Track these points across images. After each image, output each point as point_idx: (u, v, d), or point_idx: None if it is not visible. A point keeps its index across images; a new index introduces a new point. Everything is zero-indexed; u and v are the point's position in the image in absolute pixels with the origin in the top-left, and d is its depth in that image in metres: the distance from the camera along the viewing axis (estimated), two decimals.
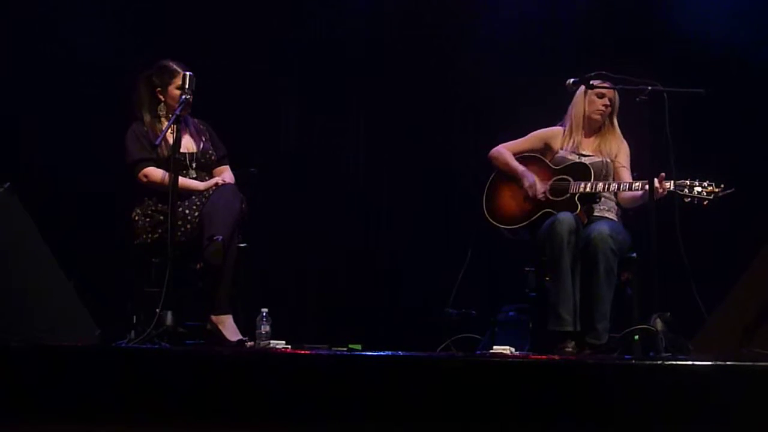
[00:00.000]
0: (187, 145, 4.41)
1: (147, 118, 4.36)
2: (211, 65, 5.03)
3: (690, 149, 4.33)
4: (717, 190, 4.05)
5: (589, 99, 4.45)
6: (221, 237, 4.06)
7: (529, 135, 4.59)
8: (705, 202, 4.05)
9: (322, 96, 5.95)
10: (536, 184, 4.38)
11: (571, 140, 4.47)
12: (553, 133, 4.55)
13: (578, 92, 4.46)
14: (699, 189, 4.05)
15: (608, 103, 4.43)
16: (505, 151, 4.56)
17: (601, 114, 4.45)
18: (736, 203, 4.70)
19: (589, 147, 4.47)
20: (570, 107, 4.51)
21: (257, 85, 5.81)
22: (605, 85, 4.34)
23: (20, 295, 3.75)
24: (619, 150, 4.47)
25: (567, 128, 4.51)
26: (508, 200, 4.47)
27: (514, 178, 4.48)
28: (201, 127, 4.53)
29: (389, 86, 5.86)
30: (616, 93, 4.36)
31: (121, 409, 3.10)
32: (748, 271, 3.59)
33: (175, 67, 4.38)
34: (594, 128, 4.49)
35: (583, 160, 4.39)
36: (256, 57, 5.79)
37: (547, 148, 4.53)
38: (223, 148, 4.56)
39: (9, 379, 3.18)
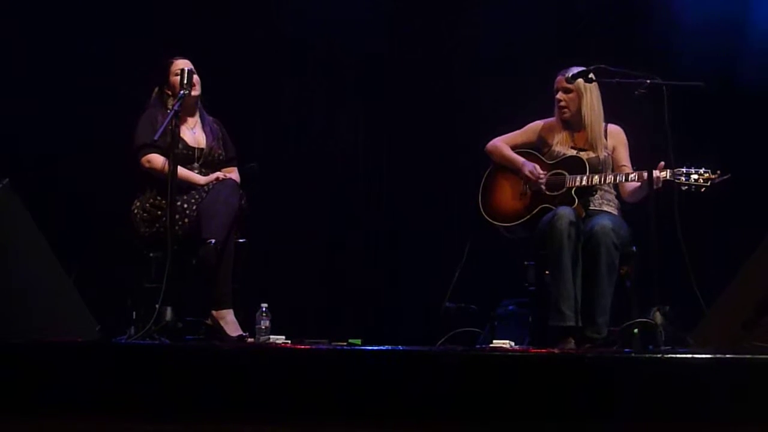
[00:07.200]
0: (198, 140, 4.41)
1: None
2: (211, 62, 5.02)
3: (689, 142, 4.32)
4: (714, 176, 4.04)
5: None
6: (214, 240, 4.04)
7: (525, 127, 4.57)
8: (702, 189, 4.03)
9: (323, 93, 5.96)
10: (536, 168, 4.36)
11: (561, 135, 4.45)
12: (549, 125, 4.52)
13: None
14: (696, 176, 4.04)
15: (561, 98, 4.38)
16: (501, 144, 4.54)
17: (563, 108, 4.40)
18: (736, 197, 4.70)
19: (582, 142, 4.42)
20: None
21: (257, 82, 5.81)
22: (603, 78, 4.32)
23: (19, 291, 3.74)
24: (616, 143, 4.43)
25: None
26: (505, 196, 4.45)
27: (511, 170, 4.46)
28: (215, 126, 4.52)
29: (389, 83, 5.88)
30: (583, 84, 4.28)
31: (121, 406, 3.10)
32: (747, 264, 3.58)
33: (168, 60, 4.38)
34: (576, 123, 4.42)
35: (580, 154, 4.36)
36: (255, 53, 5.79)
37: (542, 141, 4.50)
38: (233, 150, 4.55)
39: (8, 376, 3.18)
